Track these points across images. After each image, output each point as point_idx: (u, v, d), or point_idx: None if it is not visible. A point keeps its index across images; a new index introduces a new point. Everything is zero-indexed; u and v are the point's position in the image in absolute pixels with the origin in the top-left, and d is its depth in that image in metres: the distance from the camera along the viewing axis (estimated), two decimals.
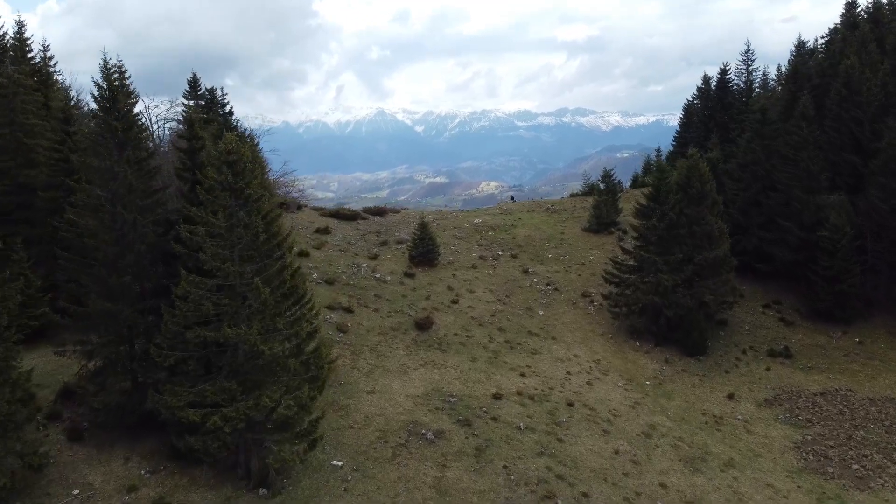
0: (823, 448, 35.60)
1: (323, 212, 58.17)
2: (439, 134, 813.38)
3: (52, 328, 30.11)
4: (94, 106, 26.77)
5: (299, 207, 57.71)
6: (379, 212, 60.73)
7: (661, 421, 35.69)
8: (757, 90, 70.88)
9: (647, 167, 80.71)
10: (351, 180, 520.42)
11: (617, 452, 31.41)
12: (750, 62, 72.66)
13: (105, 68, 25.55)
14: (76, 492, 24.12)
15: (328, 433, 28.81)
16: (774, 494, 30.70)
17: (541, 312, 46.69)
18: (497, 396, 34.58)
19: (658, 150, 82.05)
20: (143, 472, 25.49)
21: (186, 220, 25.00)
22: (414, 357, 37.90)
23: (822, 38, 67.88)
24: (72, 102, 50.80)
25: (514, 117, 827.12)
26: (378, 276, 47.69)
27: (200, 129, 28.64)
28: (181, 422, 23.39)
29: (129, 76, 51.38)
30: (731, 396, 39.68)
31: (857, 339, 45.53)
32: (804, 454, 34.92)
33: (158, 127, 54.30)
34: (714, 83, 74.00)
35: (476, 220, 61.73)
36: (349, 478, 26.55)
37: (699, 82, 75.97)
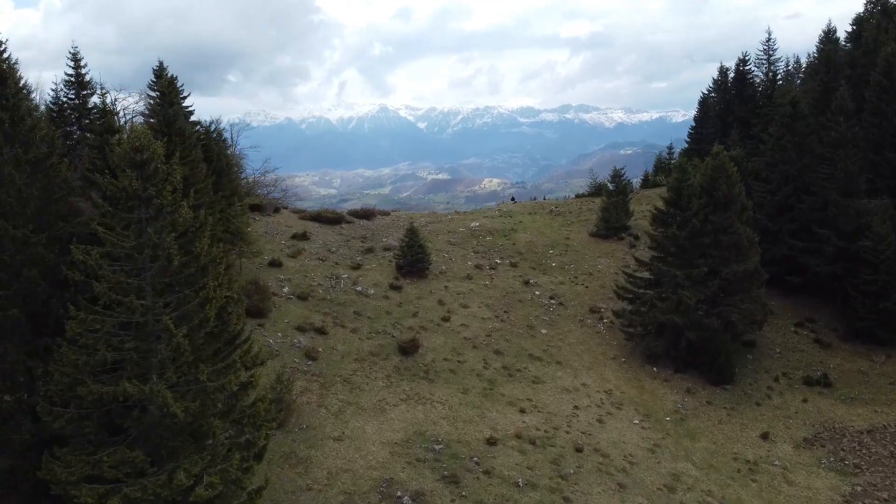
0: (877, 503, 30.01)
1: (303, 214, 52.61)
2: (442, 130, 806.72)
3: None
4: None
5: (277, 210, 52.15)
6: (366, 214, 55.16)
7: (685, 469, 30.09)
8: (779, 82, 65.08)
9: (659, 165, 74.99)
10: (353, 177, 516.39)
11: None
12: (771, 52, 66.90)
13: None
14: None
15: (279, 497, 23.28)
16: None
17: (543, 331, 41.08)
18: (491, 441, 29.01)
19: (670, 147, 76.36)
20: None
21: (91, 238, 19.40)
22: (395, 389, 32.33)
23: (847, 27, 62.16)
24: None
25: (516, 114, 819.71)
26: (360, 289, 42.10)
27: (113, 120, 22.97)
28: (74, 502, 17.83)
29: (85, 63, 46.01)
30: (765, 436, 34.04)
31: None
32: None
33: (126, 121, 48.94)
34: (732, 75, 68.20)
35: (473, 224, 56.13)
36: None
37: (704, 79, 71.20)
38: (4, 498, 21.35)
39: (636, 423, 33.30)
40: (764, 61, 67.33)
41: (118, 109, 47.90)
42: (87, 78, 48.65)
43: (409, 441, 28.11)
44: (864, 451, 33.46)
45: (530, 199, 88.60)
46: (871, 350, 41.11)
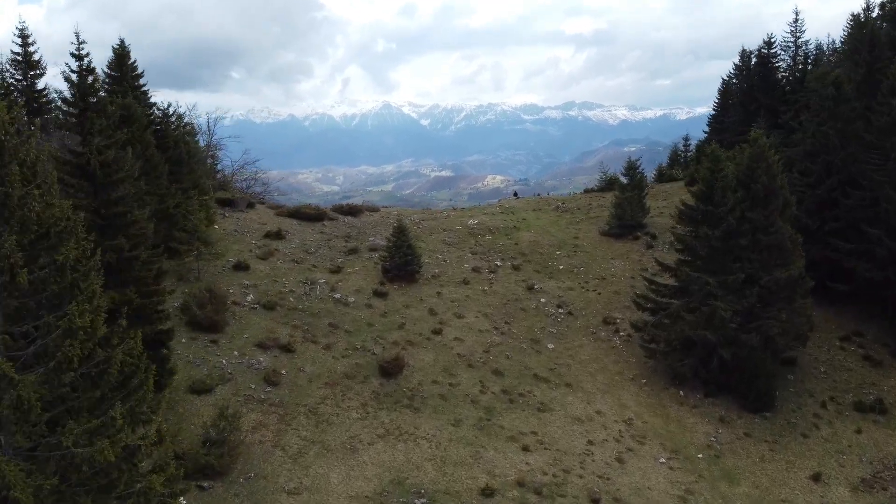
0: None
1: (280, 210, 46.92)
2: (445, 127, 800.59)
3: None
4: None
5: (251, 205, 46.48)
6: (351, 211, 49.45)
7: None
8: (811, 65, 59.16)
9: (674, 158, 69.31)
10: (356, 174, 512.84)
11: None
12: (799, 34, 60.95)
13: None
14: None
15: None
16: None
17: (550, 346, 35.41)
18: (487, 492, 23.40)
19: (686, 139, 70.69)
20: None
21: None
22: (371, 422, 26.72)
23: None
24: None
25: (520, 111, 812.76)
26: (338, 296, 36.45)
27: None
28: None
29: (34, 41, 40.24)
30: (816, 477, 28.32)
31: None
32: None
33: None
34: (755, 58, 62.28)
35: (471, 222, 50.42)
36: None
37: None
38: None
39: (663, 463, 27.64)
40: (791, 44, 61.43)
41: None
42: (37, 58, 43.35)
43: (384, 494, 22.52)
44: None
45: (535, 195, 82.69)
46: None
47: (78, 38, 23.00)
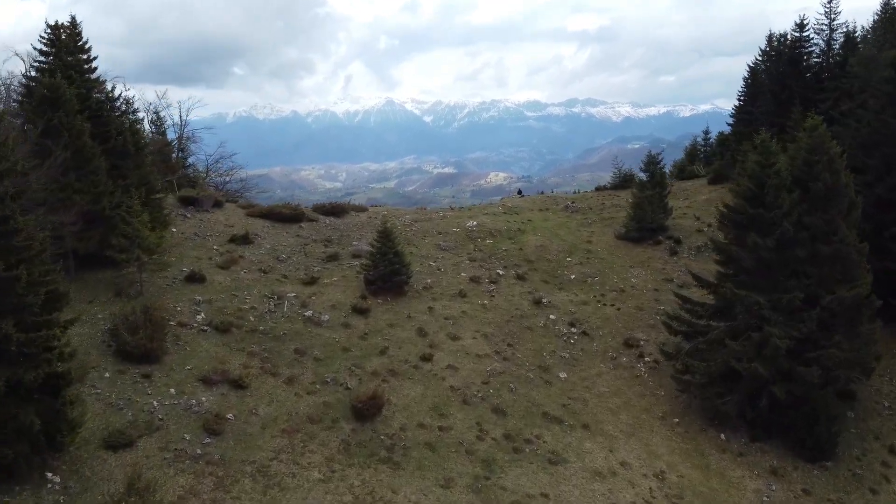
0: None
1: (251, 210, 41.00)
2: (448, 124, 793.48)
3: None
4: None
5: (218, 204, 40.57)
6: (334, 211, 43.51)
7: None
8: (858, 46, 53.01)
9: (693, 153, 63.28)
10: (359, 170, 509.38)
11: None
12: (834, 15, 54.83)
13: None
14: None
15: None
16: None
17: (563, 375, 29.56)
18: None
19: (706, 133, 64.60)
20: None
21: None
22: (337, 486, 20.90)
23: None
24: None
25: (523, 107, 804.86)
26: (309, 313, 30.63)
27: None
28: None
29: None
30: None
31: None
32: None
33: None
34: (786, 42, 56.11)
35: (470, 223, 44.54)
36: None
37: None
38: None
39: None
40: (824, 27, 55.33)
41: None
42: None
43: None
44: None
45: (539, 193, 76.63)
46: None
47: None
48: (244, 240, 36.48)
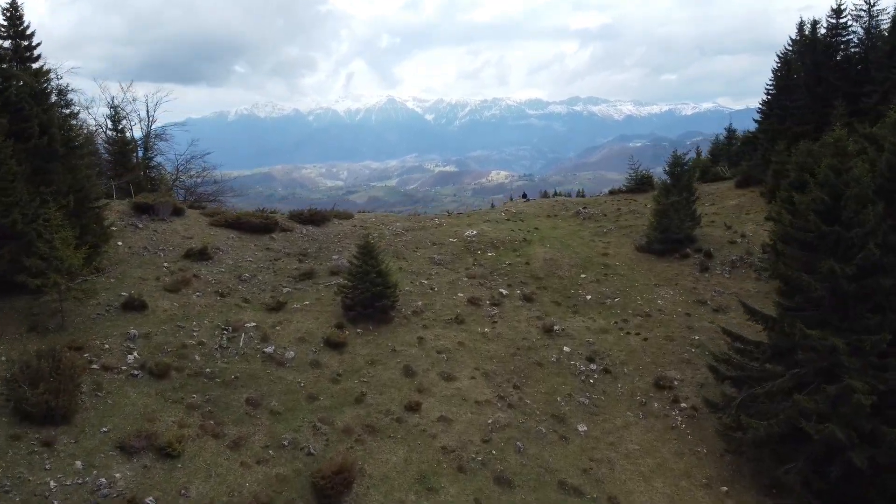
0: None
1: (217, 219, 35.36)
2: (449, 122, 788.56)
3: None
4: None
5: (178, 211, 34.96)
6: (313, 218, 37.86)
7: None
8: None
9: (716, 152, 57.61)
10: (360, 169, 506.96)
11: None
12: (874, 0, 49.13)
13: None
14: None
15: None
16: None
17: (582, 428, 23.97)
18: None
19: (730, 130, 58.91)
20: None
21: None
22: None
23: None
24: None
25: (525, 106, 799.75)
26: (271, 349, 25.08)
27: None
28: None
29: None
30: None
31: None
32: None
33: None
34: (821, 31, 50.37)
35: (469, 232, 39.00)
36: None
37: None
38: None
39: None
40: (863, 12, 49.63)
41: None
42: None
43: None
44: None
45: (541, 195, 70.81)
46: None
47: None
48: (202, 255, 30.92)
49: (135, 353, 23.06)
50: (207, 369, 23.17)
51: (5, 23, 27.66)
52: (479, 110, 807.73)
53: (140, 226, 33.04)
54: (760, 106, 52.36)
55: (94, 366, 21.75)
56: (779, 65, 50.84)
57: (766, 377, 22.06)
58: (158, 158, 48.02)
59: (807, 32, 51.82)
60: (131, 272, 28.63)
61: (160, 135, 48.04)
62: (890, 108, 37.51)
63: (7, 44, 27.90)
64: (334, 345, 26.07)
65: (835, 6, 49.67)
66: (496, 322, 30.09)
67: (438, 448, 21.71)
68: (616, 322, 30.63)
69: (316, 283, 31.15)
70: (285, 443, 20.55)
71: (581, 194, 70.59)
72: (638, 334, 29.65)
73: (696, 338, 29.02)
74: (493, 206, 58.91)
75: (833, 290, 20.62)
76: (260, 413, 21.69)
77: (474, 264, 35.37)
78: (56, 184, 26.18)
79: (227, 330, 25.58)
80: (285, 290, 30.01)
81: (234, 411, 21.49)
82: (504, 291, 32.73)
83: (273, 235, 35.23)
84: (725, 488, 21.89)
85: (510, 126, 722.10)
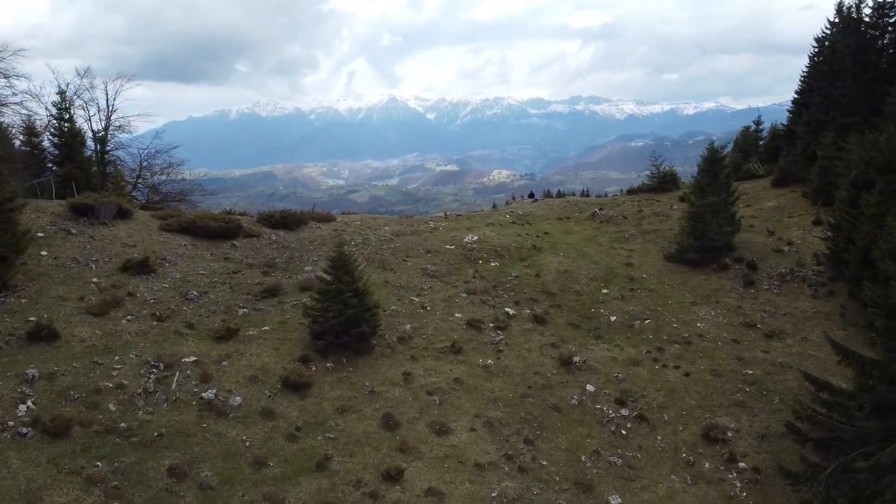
0: None
1: (169, 222, 29.65)
2: (451, 122, 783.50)
3: None
4: None
5: (123, 213, 29.25)
6: (286, 222, 32.12)
7: None
8: None
9: (745, 147, 51.89)
10: (362, 168, 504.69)
11: None
12: None
13: None
14: None
15: None
16: None
17: (615, 501, 18.31)
18: None
19: (758, 123, 53.19)
20: None
21: None
22: None
23: None
24: None
25: (526, 105, 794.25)
26: (211, 394, 19.42)
27: None
28: None
29: None
30: None
31: None
32: None
33: None
34: (866, 13, 44.60)
35: (468, 238, 33.36)
36: None
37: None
38: None
39: None
40: None
41: None
42: None
43: None
44: None
45: (544, 194, 65.31)
46: None
47: None
48: (142, 267, 25.26)
49: (28, 402, 17.46)
50: (123, 424, 17.54)
51: None
52: (480, 109, 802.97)
53: (74, 231, 27.37)
54: (796, 95, 46.64)
55: None
56: (816, 49, 45.08)
57: (864, 440, 16.42)
58: (119, 153, 42.42)
59: (851, 14, 45.96)
60: (50, 290, 23.01)
61: (122, 126, 42.41)
62: None
63: None
64: (295, 386, 20.42)
65: None
66: (501, 351, 24.47)
67: None
68: (649, 351, 24.98)
69: (281, 303, 25.51)
70: None
71: (585, 193, 64.99)
72: (677, 367, 23.99)
73: (750, 372, 23.41)
74: (495, 206, 53.31)
75: None
76: (185, 489, 16.06)
77: (475, 277, 29.74)
78: None
79: (157, 368, 19.93)
80: (241, 311, 24.37)
81: (149, 486, 15.86)
82: (510, 311, 27.09)
83: (235, 242, 29.57)
84: None
85: (511, 125, 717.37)
